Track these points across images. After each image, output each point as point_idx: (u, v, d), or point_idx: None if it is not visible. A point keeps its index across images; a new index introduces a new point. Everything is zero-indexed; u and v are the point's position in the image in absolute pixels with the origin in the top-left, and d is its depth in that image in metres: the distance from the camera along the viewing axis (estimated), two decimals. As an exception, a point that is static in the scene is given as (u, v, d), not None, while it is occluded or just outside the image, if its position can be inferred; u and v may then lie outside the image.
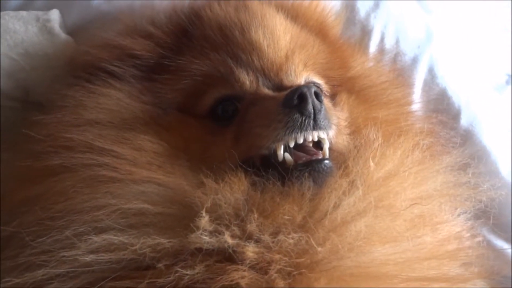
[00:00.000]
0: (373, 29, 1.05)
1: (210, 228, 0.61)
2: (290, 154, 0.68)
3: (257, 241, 0.61)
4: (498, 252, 0.92)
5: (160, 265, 0.59)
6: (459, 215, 0.77)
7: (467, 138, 0.99)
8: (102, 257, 0.60)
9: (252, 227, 0.62)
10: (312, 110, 0.67)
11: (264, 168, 0.69)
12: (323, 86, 0.82)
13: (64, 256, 0.61)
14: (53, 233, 0.63)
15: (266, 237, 0.61)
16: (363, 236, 0.62)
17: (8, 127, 0.85)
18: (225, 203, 0.63)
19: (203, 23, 0.83)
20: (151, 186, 0.66)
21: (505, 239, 0.94)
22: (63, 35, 0.90)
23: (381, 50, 1.04)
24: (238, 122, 0.73)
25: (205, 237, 0.60)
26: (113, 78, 0.78)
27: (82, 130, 0.71)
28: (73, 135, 0.70)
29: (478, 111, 1.03)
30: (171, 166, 0.69)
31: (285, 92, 0.70)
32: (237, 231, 0.61)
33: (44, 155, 0.70)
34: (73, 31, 0.93)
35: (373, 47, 1.04)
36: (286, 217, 0.62)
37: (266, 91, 0.74)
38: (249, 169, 0.68)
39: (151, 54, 0.80)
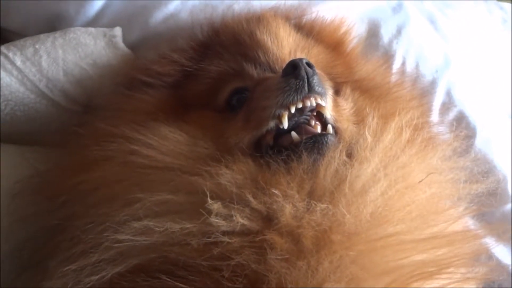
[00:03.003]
0: (395, 54, 1.13)
1: (221, 212, 0.64)
2: (297, 134, 0.72)
3: (272, 216, 0.64)
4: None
5: (192, 242, 0.63)
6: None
7: (480, 157, 1.03)
8: (144, 239, 0.64)
9: (260, 203, 0.64)
10: (305, 75, 0.73)
11: (274, 148, 0.73)
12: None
13: (111, 239, 0.64)
14: (98, 220, 0.67)
15: (288, 207, 0.63)
16: (383, 207, 0.65)
17: (67, 128, 0.92)
18: (228, 184, 0.66)
19: (219, 34, 0.94)
20: (175, 173, 0.70)
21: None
22: (126, 49, 1.00)
23: (402, 72, 1.11)
24: (247, 104, 0.79)
25: (218, 220, 0.63)
26: (147, 87, 0.89)
27: (119, 125, 0.79)
28: (111, 128, 0.79)
29: (492, 133, 1.10)
30: (189, 152, 0.74)
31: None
32: (246, 210, 0.64)
33: (88, 147, 0.78)
34: (132, 46, 1.04)
35: (395, 70, 1.11)
36: (295, 188, 0.65)
37: (271, 75, 0.81)
38: (260, 151, 0.73)
39: (174, 71, 0.90)
